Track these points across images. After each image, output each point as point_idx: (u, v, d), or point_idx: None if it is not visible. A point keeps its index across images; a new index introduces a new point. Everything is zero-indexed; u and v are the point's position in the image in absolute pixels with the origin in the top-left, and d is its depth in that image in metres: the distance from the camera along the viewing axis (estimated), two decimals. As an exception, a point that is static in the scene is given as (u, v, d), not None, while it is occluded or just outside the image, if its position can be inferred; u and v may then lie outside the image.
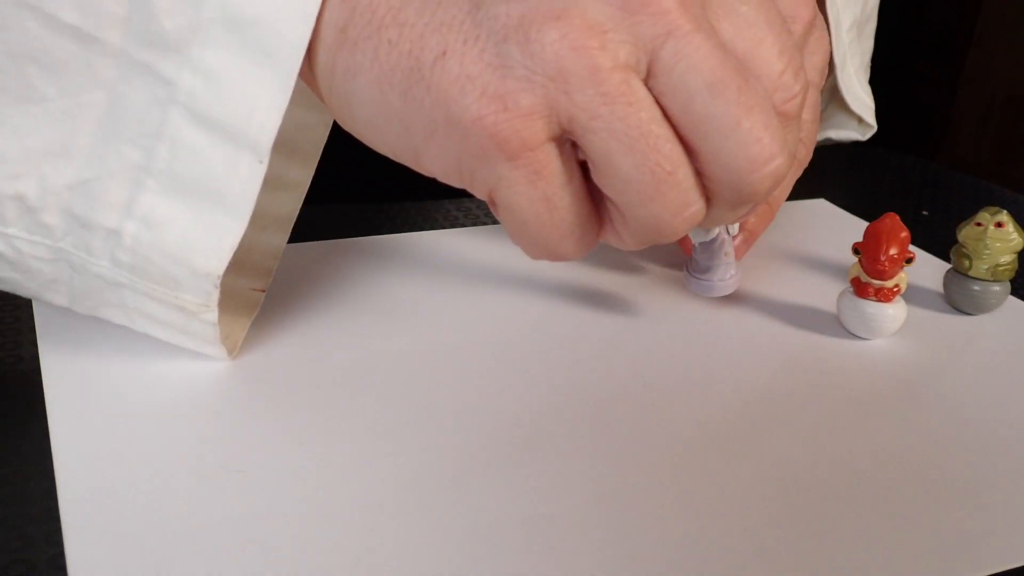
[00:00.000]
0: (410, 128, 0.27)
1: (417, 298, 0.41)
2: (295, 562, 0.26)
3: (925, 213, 0.57)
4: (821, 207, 0.56)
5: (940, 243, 0.49)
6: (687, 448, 0.32)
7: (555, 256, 0.29)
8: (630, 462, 0.31)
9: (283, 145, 0.35)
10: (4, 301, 0.39)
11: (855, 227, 0.53)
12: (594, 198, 0.29)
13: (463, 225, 0.49)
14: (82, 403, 0.32)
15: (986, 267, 0.41)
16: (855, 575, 0.27)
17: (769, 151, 0.27)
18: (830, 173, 0.64)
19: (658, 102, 0.26)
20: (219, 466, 0.30)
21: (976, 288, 0.42)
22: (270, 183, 0.35)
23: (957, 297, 0.43)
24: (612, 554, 0.27)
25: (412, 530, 0.27)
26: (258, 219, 0.36)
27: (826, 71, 0.41)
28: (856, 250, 0.38)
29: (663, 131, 0.26)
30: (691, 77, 0.26)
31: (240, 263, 0.36)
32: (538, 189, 0.27)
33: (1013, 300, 0.44)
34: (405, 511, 0.28)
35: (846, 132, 0.63)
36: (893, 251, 0.37)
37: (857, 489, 0.31)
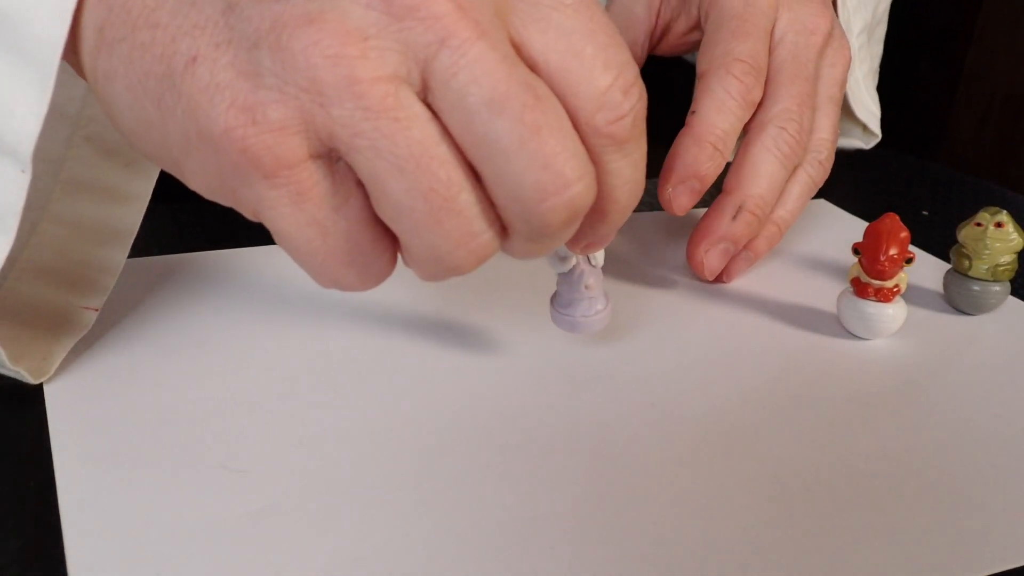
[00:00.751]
0: (168, 139, 0.25)
1: (417, 298, 0.41)
2: (295, 562, 0.26)
3: (925, 213, 0.57)
4: (821, 207, 0.56)
5: (940, 243, 0.49)
6: (687, 448, 0.32)
7: (338, 286, 0.26)
8: (630, 462, 0.31)
9: (120, 156, 0.34)
10: (4, 301, 0.39)
11: (855, 227, 0.53)
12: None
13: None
14: (82, 404, 0.32)
15: (986, 267, 0.41)
16: (855, 575, 0.27)
17: (562, 178, 0.24)
18: (830, 173, 0.64)
19: (438, 120, 0.24)
20: (219, 466, 0.30)
21: (976, 288, 0.42)
22: (109, 195, 0.34)
23: (957, 297, 0.43)
24: (612, 554, 0.27)
25: (412, 530, 0.27)
26: (96, 233, 0.35)
27: (845, 83, 0.41)
28: (856, 250, 0.38)
29: (439, 151, 0.23)
30: (469, 92, 0.23)
31: (74, 278, 0.34)
32: (305, 212, 0.24)
33: (1013, 300, 0.44)
34: (405, 511, 0.28)
35: (849, 140, 0.62)
36: (893, 251, 0.37)
37: (857, 489, 0.31)
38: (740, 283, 0.44)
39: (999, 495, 0.31)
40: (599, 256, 0.34)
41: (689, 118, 0.38)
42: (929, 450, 0.33)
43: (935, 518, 0.29)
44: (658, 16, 0.44)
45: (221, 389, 0.34)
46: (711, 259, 0.40)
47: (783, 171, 0.39)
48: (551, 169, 0.23)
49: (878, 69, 0.64)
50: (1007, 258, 0.41)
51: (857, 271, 0.39)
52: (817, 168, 0.41)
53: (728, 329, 0.40)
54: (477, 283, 0.42)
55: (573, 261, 0.33)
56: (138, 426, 0.31)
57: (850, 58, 0.40)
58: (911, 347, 0.40)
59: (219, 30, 0.23)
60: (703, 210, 0.54)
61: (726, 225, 0.39)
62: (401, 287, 0.42)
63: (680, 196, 0.38)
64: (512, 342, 0.38)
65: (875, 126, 0.60)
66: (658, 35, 0.44)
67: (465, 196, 0.24)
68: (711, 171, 0.38)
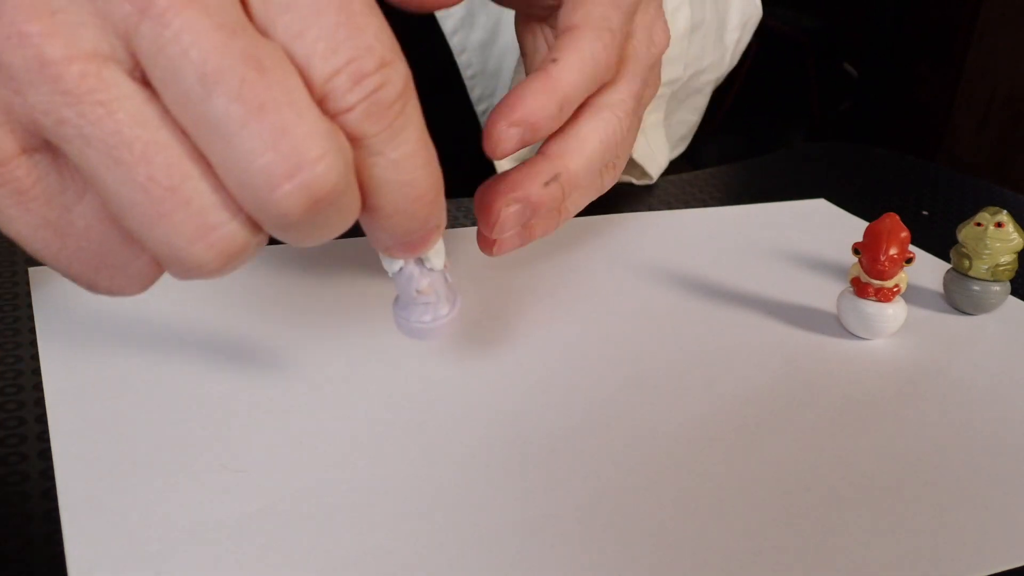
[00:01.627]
0: None
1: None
2: (295, 562, 0.26)
3: (925, 213, 0.57)
4: (821, 207, 0.56)
5: (940, 243, 0.49)
6: (687, 448, 0.32)
7: (99, 290, 0.24)
8: (630, 462, 0.31)
9: None
10: (4, 301, 0.39)
11: (855, 227, 0.53)
12: None
13: (463, 225, 0.49)
14: (82, 403, 0.32)
15: (986, 267, 0.41)
16: (855, 575, 0.27)
17: (293, 160, 0.20)
18: (830, 173, 0.64)
19: (158, 100, 0.21)
20: (219, 466, 0.30)
21: (976, 288, 0.42)
22: None
23: (957, 297, 0.43)
24: (612, 554, 0.27)
25: (412, 530, 0.27)
26: None
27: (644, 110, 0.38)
28: (856, 250, 0.38)
29: (157, 136, 0.21)
30: (180, 66, 0.20)
31: None
32: (32, 213, 0.22)
33: (1013, 300, 0.44)
34: (405, 511, 0.28)
35: (623, 177, 0.57)
36: (893, 251, 0.37)
37: (857, 489, 0.31)
38: (740, 283, 0.44)
39: (999, 495, 0.31)
40: (435, 258, 0.30)
41: (548, 64, 0.33)
42: (929, 450, 0.33)
43: (935, 518, 0.29)
44: None
45: (221, 389, 0.34)
46: (508, 216, 0.34)
47: (601, 159, 0.35)
48: (280, 150, 0.20)
49: (686, 138, 0.60)
50: (1007, 258, 0.41)
51: (857, 271, 0.39)
52: (610, 172, 0.36)
53: (728, 329, 0.40)
54: (477, 284, 0.42)
55: (399, 262, 0.29)
56: (138, 426, 0.31)
57: (667, 40, 0.38)
58: (911, 347, 0.40)
59: None
60: (695, 210, 0.54)
61: (536, 189, 0.34)
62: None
63: (510, 139, 0.32)
64: (512, 342, 0.38)
65: (652, 168, 0.56)
66: None
67: (193, 184, 0.21)
68: (548, 128, 0.34)
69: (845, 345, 0.40)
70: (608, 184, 0.37)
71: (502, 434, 0.32)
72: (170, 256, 0.22)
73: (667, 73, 0.51)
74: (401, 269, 0.29)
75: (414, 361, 0.36)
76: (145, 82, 0.21)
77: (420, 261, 0.29)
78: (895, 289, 0.39)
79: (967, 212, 0.43)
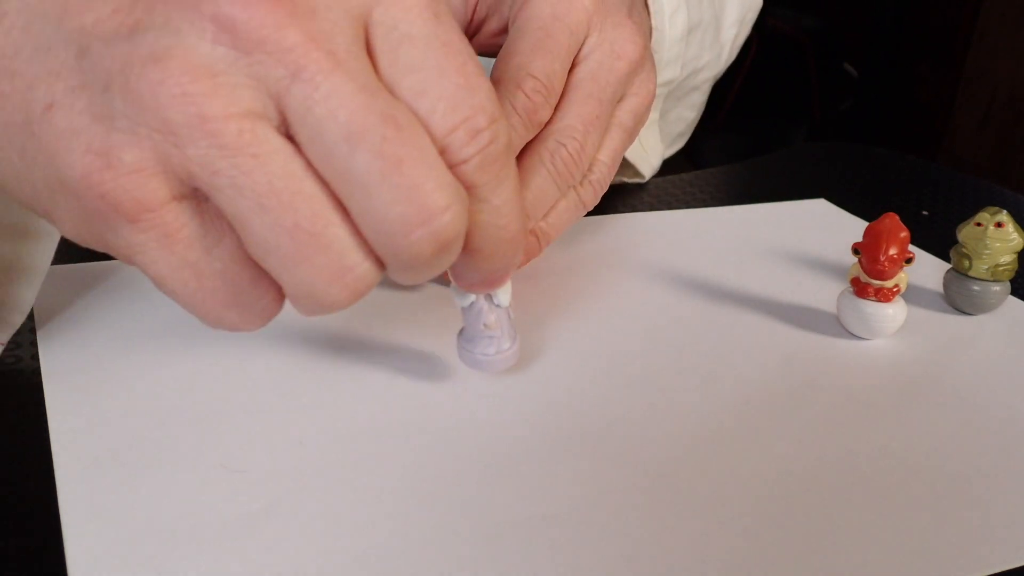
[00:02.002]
0: (36, 188, 0.24)
1: (418, 299, 0.41)
2: (295, 562, 0.26)
3: (925, 213, 0.57)
4: (821, 207, 0.56)
5: (940, 243, 0.49)
6: (687, 448, 0.32)
7: (224, 327, 0.26)
8: (630, 462, 0.31)
9: None
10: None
11: (855, 227, 0.53)
12: None
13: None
14: (82, 403, 0.32)
15: (986, 267, 0.41)
16: (855, 575, 0.27)
17: (426, 209, 0.23)
18: (830, 173, 0.64)
19: (301, 154, 0.23)
20: (219, 466, 0.30)
21: (976, 288, 0.42)
22: (18, 233, 0.34)
23: (957, 297, 0.43)
24: (612, 554, 0.27)
25: (412, 530, 0.27)
26: (4, 272, 0.34)
27: (646, 117, 0.38)
28: (856, 250, 0.38)
29: (303, 186, 0.23)
30: (326, 125, 0.22)
31: None
32: (176, 255, 0.24)
33: (1013, 300, 0.44)
34: (405, 511, 0.28)
35: (616, 177, 0.58)
36: (893, 251, 0.37)
37: (857, 489, 0.31)
38: (740, 283, 0.44)
39: (999, 495, 0.31)
40: (502, 296, 0.32)
41: None
42: (929, 450, 0.33)
43: (935, 518, 0.29)
44: (474, 11, 0.40)
45: (221, 389, 0.34)
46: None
47: (553, 187, 0.36)
48: (415, 201, 0.23)
49: (684, 133, 0.60)
50: (1007, 258, 0.41)
51: (857, 271, 0.39)
52: (588, 189, 0.38)
53: (728, 329, 0.40)
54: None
55: (472, 297, 0.32)
56: (138, 426, 0.31)
57: (654, 92, 0.38)
58: (911, 347, 0.40)
59: (73, 75, 0.23)
60: (695, 210, 0.54)
61: None
62: (401, 288, 0.42)
63: None
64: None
65: (644, 167, 0.56)
66: (471, 32, 0.42)
67: (334, 230, 0.23)
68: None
69: (845, 345, 0.40)
70: (588, 200, 0.38)
71: (502, 434, 0.32)
72: (306, 295, 0.24)
73: (664, 74, 0.51)
74: (472, 304, 0.32)
75: (414, 362, 0.36)
76: (290, 137, 0.23)
77: (489, 297, 0.32)
78: (895, 289, 0.39)
79: (967, 212, 0.43)
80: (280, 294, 0.26)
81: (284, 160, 0.23)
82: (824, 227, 0.52)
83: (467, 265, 0.27)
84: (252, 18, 0.22)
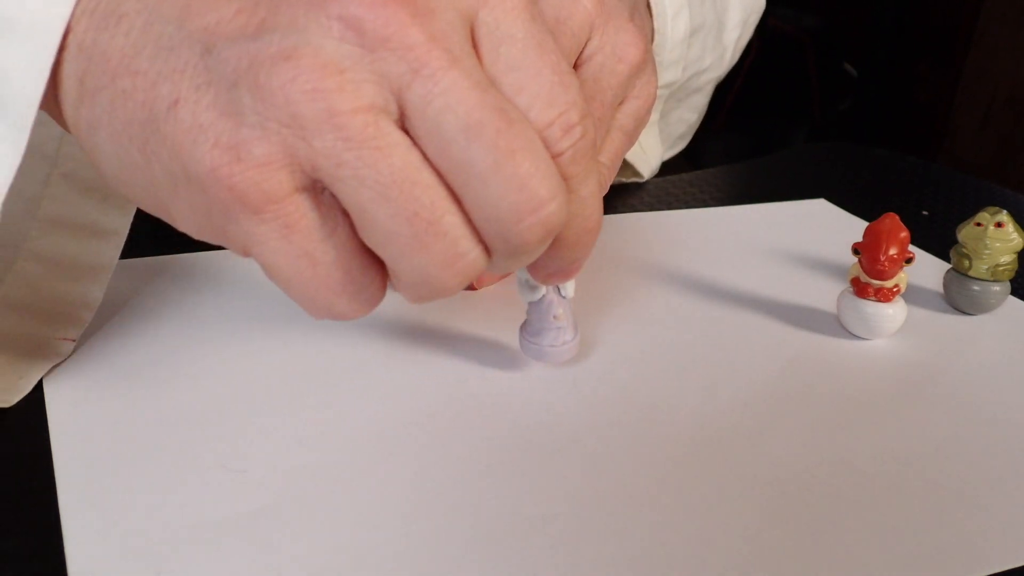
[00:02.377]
0: (154, 183, 0.25)
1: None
2: (295, 562, 0.26)
3: (925, 213, 0.57)
4: (821, 207, 0.56)
5: (940, 243, 0.49)
6: (687, 448, 0.32)
7: (332, 315, 0.27)
8: (630, 462, 0.31)
9: (97, 192, 0.35)
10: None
11: (855, 227, 0.53)
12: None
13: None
14: (82, 403, 0.32)
15: (986, 267, 0.41)
16: (855, 575, 0.27)
17: (537, 198, 0.24)
18: (830, 173, 0.64)
19: (417, 146, 0.24)
20: (219, 466, 0.30)
21: (976, 288, 0.42)
22: (85, 231, 0.35)
23: (957, 297, 0.43)
24: (612, 554, 0.27)
25: (412, 530, 0.27)
26: (74, 269, 0.35)
27: (646, 120, 0.40)
28: (856, 250, 0.38)
29: (421, 177, 0.24)
30: (445, 119, 0.24)
31: (50, 313, 0.35)
32: (294, 245, 0.25)
33: (1013, 300, 0.44)
34: (405, 511, 0.28)
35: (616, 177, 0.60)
36: (893, 251, 0.37)
37: (857, 489, 0.31)
38: (740, 283, 0.44)
39: (999, 495, 0.31)
40: (569, 288, 0.34)
41: None
42: (929, 450, 0.33)
43: (935, 518, 0.29)
44: None
45: (221, 389, 0.34)
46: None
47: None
48: (526, 190, 0.24)
49: (686, 136, 0.61)
50: (1007, 258, 0.41)
51: (857, 271, 0.39)
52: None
53: (728, 329, 0.40)
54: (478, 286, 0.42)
55: (543, 291, 0.34)
56: (138, 426, 0.31)
57: (655, 95, 0.39)
58: (911, 347, 0.40)
59: (198, 73, 0.24)
60: (695, 210, 0.54)
61: None
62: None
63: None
64: (512, 343, 0.38)
65: (643, 168, 0.57)
66: None
67: (449, 219, 0.25)
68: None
69: (845, 345, 0.40)
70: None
71: (502, 434, 0.32)
72: (421, 281, 0.25)
73: (665, 76, 0.51)
74: (543, 298, 0.34)
75: (415, 362, 0.36)
76: (406, 130, 0.24)
77: (558, 290, 0.34)
78: (895, 289, 0.39)
79: (967, 212, 0.43)
80: (385, 282, 0.27)
81: (404, 152, 0.24)
82: (824, 227, 0.52)
83: (551, 255, 0.28)
84: (377, 17, 0.23)
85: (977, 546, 0.28)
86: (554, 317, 0.34)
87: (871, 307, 0.39)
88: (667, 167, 0.61)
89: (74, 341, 0.35)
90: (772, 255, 0.48)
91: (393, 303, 0.40)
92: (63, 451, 0.30)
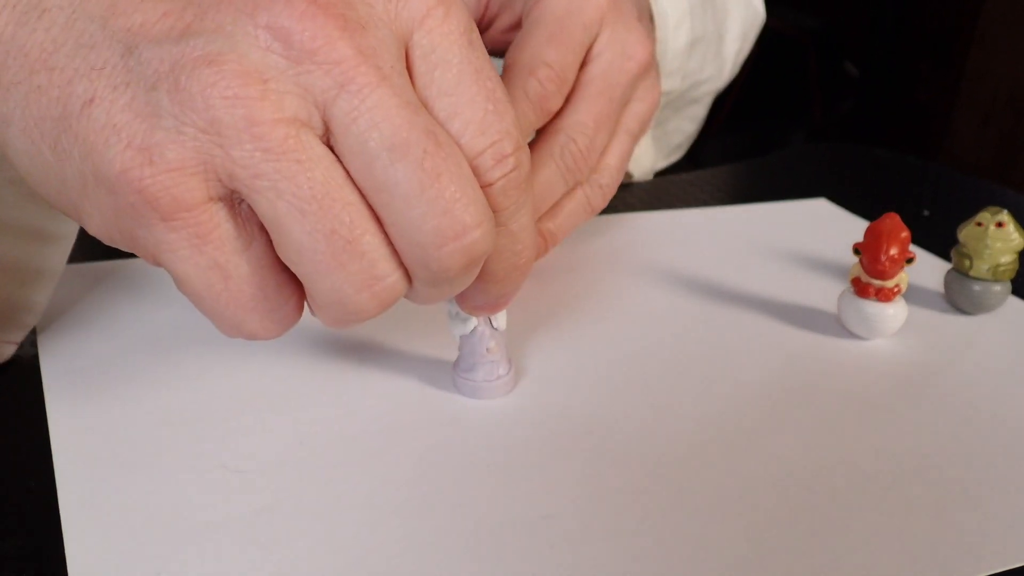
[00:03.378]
0: (65, 183, 0.24)
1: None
2: (295, 562, 0.26)
3: (926, 213, 0.57)
4: (821, 207, 0.56)
5: (940, 243, 0.49)
6: (687, 448, 0.32)
7: (242, 333, 0.26)
8: (630, 462, 0.31)
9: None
10: (4, 301, 0.39)
11: (855, 227, 0.53)
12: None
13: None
14: (82, 403, 0.32)
15: (987, 267, 0.41)
16: (855, 575, 0.27)
17: (460, 223, 0.24)
18: (830, 173, 0.64)
19: (342, 164, 0.24)
20: (219, 466, 0.30)
21: (977, 288, 0.42)
22: (31, 235, 0.34)
23: (958, 297, 0.43)
24: (612, 554, 0.27)
25: (412, 530, 0.27)
26: (19, 272, 0.34)
27: (650, 123, 0.39)
28: (856, 250, 0.38)
29: (342, 194, 0.23)
30: (370, 136, 0.23)
31: None
32: (205, 256, 0.24)
33: (1014, 300, 0.44)
34: (405, 511, 0.28)
35: None
36: (893, 251, 0.37)
37: (857, 489, 0.31)
38: (740, 283, 0.44)
39: (999, 495, 0.31)
40: (501, 319, 0.33)
41: None
42: (929, 450, 0.33)
43: (935, 518, 0.29)
44: (486, 8, 0.41)
45: (221, 389, 0.34)
46: None
47: (561, 181, 0.37)
48: (450, 215, 0.24)
49: (683, 146, 0.61)
50: (1008, 258, 0.41)
51: (858, 271, 0.39)
52: (597, 192, 0.39)
53: (728, 329, 0.40)
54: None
55: (474, 323, 0.33)
56: (138, 426, 0.31)
57: (659, 100, 0.39)
58: (911, 347, 0.40)
59: (117, 72, 0.23)
60: (695, 210, 0.54)
61: None
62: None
63: None
64: (512, 342, 0.38)
65: (634, 169, 0.57)
66: (483, 27, 0.41)
67: (368, 239, 0.24)
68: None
69: (845, 345, 0.40)
70: (596, 203, 0.39)
71: (502, 434, 0.32)
72: (335, 302, 0.25)
73: (665, 84, 0.51)
74: (474, 330, 0.33)
75: (414, 362, 0.36)
76: (331, 147, 0.24)
77: (489, 321, 0.33)
78: (895, 289, 0.39)
79: (968, 212, 0.43)
80: (301, 302, 0.26)
81: (326, 168, 0.23)
82: (824, 227, 0.52)
83: (479, 288, 0.28)
84: (306, 30, 0.23)
85: (977, 546, 0.28)
86: (487, 350, 0.33)
87: (872, 307, 0.39)
88: (667, 167, 0.61)
89: (17, 344, 0.35)
90: (772, 255, 0.48)
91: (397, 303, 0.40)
92: (63, 451, 0.30)
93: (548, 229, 0.38)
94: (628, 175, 0.57)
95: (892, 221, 0.38)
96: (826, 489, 0.30)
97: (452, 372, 0.35)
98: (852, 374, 0.37)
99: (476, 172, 0.25)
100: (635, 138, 0.39)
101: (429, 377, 0.35)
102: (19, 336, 0.35)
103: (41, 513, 0.27)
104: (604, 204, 0.39)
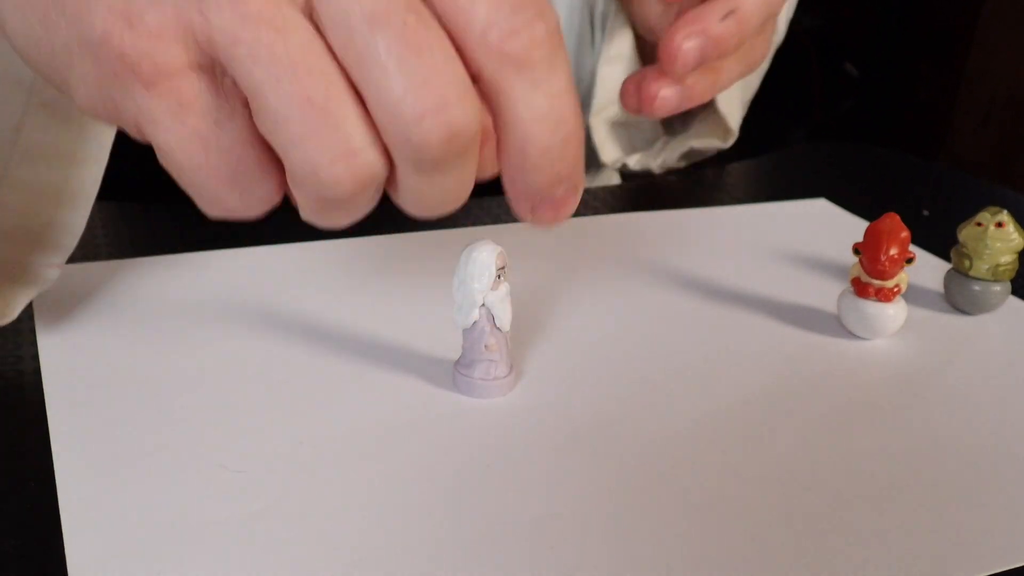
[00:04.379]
0: (55, 55, 0.25)
1: (417, 299, 0.41)
2: (295, 562, 0.26)
3: (926, 213, 0.57)
4: (821, 207, 0.56)
5: (940, 243, 0.49)
6: (687, 448, 0.32)
7: (223, 209, 0.26)
8: (630, 462, 0.31)
9: (75, 120, 0.35)
10: (4, 301, 0.39)
11: (855, 227, 0.53)
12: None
13: (484, 223, 0.49)
14: (82, 403, 0.32)
15: (987, 267, 0.41)
16: (855, 575, 0.27)
17: (439, 98, 0.23)
18: (831, 173, 0.64)
19: (323, 37, 0.24)
20: (219, 466, 0.30)
21: (976, 288, 0.42)
22: (64, 159, 0.35)
23: (957, 297, 0.43)
24: (612, 554, 0.27)
25: (412, 530, 0.27)
26: (56, 196, 0.36)
27: (761, 62, 0.41)
28: (856, 250, 0.38)
29: (320, 64, 0.23)
30: (350, 8, 0.23)
31: (35, 240, 0.36)
32: (187, 126, 0.24)
33: (1013, 300, 0.44)
34: (405, 511, 0.28)
35: (708, 141, 0.61)
36: (893, 251, 0.37)
37: (857, 489, 0.31)
38: (740, 283, 0.44)
39: (999, 495, 0.31)
40: (504, 319, 0.33)
41: None
42: (929, 450, 0.33)
43: (935, 518, 0.29)
44: None
45: (221, 390, 0.34)
46: (689, 48, 0.37)
47: (766, 12, 0.38)
48: (429, 88, 0.23)
49: (745, 106, 0.63)
50: (1008, 258, 0.41)
51: (858, 271, 0.39)
52: (759, 48, 0.40)
53: (728, 329, 0.40)
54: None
55: (474, 314, 0.33)
56: (138, 426, 0.31)
57: (769, 47, 0.40)
58: (911, 347, 0.40)
59: None
60: (695, 210, 0.54)
61: (714, 23, 0.37)
62: (401, 287, 0.42)
63: (691, 51, 0.37)
64: (512, 342, 0.38)
65: (734, 123, 0.59)
66: None
67: (345, 111, 0.24)
68: (723, 34, 0.37)
69: (845, 345, 0.40)
70: (760, 54, 0.40)
71: (502, 434, 0.32)
72: (309, 174, 0.24)
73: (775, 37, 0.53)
74: (475, 324, 0.33)
75: (415, 362, 0.36)
76: (314, 21, 0.23)
77: (492, 319, 0.33)
78: (895, 289, 0.39)
79: (968, 212, 0.43)
80: (281, 183, 0.26)
81: (304, 36, 0.23)
82: (825, 227, 0.52)
83: (518, 174, 0.26)
84: None
85: (977, 546, 0.28)
86: (485, 347, 0.33)
87: (872, 307, 0.39)
88: (667, 168, 0.61)
89: (59, 267, 0.36)
90: (772, 255, 0.48)
91: (395, 303, 0.40)
92: (63, 451, 0.30)
93: (722, 68, 0.39)
94: (730, 134, 0.59)
95: (892, 221, 0.38)
96: (826, 489, 0.30)
97: (453, 369, 0.35)
98: (852, 374, 0.37)
99: (496, 24, 0.24)
100: (750, 68, 0.40)
101: (430, 377, 0.35)
102: (61, 258, 0.36)
103: (41, 513, 0.27)
104: (765, 56, 0.40)
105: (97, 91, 0.25)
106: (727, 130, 0.59)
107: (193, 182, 0.25)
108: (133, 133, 0.25)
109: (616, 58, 0.57)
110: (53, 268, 0.36)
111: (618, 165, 0.61)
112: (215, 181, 0.25)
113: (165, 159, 0.25)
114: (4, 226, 0.35)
